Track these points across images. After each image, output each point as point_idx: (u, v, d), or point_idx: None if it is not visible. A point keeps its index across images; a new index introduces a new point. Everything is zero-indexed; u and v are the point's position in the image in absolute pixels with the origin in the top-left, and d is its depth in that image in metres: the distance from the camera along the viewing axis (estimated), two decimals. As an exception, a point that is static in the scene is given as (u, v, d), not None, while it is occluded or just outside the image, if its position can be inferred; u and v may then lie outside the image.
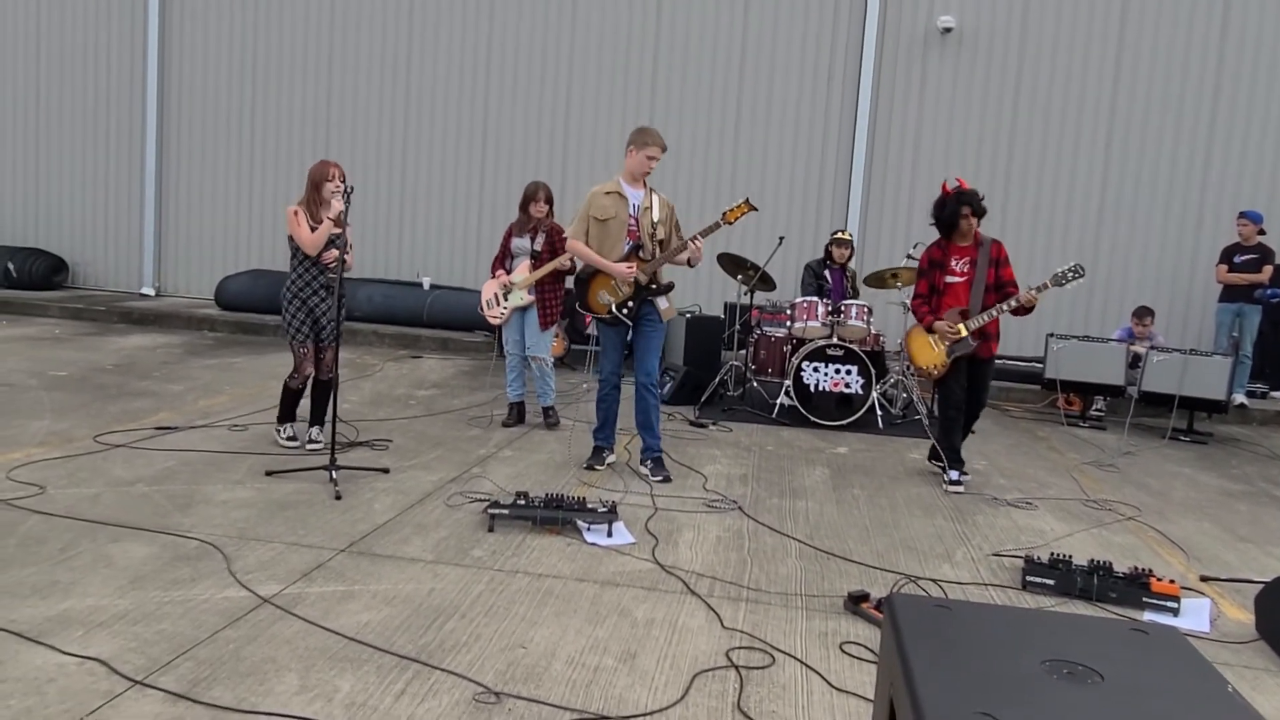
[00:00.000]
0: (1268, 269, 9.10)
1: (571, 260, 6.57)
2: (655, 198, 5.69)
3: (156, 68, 12.62)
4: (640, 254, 5.60)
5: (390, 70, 12.17)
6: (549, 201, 6.80)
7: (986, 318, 5.81)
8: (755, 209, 5.79)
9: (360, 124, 12.32)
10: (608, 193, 5.63)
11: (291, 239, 5.65)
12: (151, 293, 12.92)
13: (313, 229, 5.57)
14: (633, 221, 5.61)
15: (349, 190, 5.27)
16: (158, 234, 12.99)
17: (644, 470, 5.70)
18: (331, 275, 5.66)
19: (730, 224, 5.69)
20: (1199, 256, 10.48)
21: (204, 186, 12.83)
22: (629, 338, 5.78)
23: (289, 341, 5.75)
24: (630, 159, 5.59)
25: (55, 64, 13.04)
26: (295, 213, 5.60)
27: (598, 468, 5.79)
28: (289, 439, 5.88)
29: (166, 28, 12.63)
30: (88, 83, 12.98)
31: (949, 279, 5.96)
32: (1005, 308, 5.78)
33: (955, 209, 5.84)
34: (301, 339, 5.72)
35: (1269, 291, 9.11)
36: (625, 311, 5.62)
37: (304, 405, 5.94)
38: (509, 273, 6.83)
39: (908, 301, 8.17)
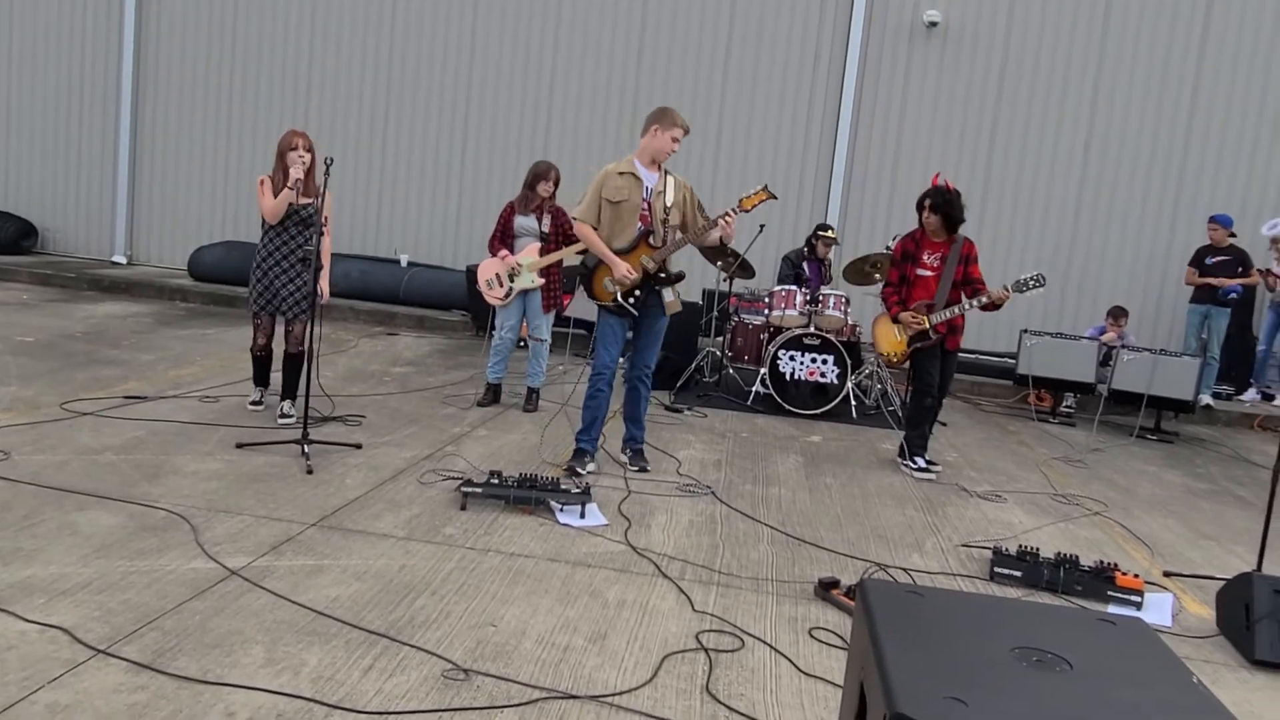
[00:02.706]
0: (1243, 271, 9.22)
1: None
2: (670, 180, 5.41)
3: (133, 30, 12.39)
4: (650, 240, 5.31)
5: (372, 42, 12.03)
6: (556, 183, 6.66)
7: (949, 313, 5.95)
8: (774, 197, 5.48)
9: (341, 96, 12.17)
10: (622, 173, 5.30)
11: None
12: (123, 261, 12.74)
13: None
14: (645, 206, 5.31)
15: (328, 161, 5.21)
16: (130, 201, 12.79)
17: (623, 459, 5.66)
18: (308, 248, 5.63)
19: (747, 211, 5.40)
20: (1171, 258, 10.59)
21: (179, 155, 12.64)
22: (629, 329, 5.50)
23: (248, 309, 5.87)
24: (652, 139, 5.26)
25: (28, 25, 12.78)
26: (261, 182, 5.62)
27: (580, 471, 5.30)
28: (252, 402, 5.99)
29: (145, -8, 12.42)
30: (61, 45, 12.73)
31: (920, 271, 6.09)
32: (974, 304, 5.92)
33: (920, 200, 6.06)
34: (256, 310, 5.76)
35: (1228, 289, 9.23)
36: (631, 301, 5.34)
37: (277, 380, 5.90)
38: (512, 252, 6.69)
39: (885, 293, 8.23)
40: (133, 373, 6.82)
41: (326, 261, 5.74)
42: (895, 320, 6.11)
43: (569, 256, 6.52)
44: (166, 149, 12.66)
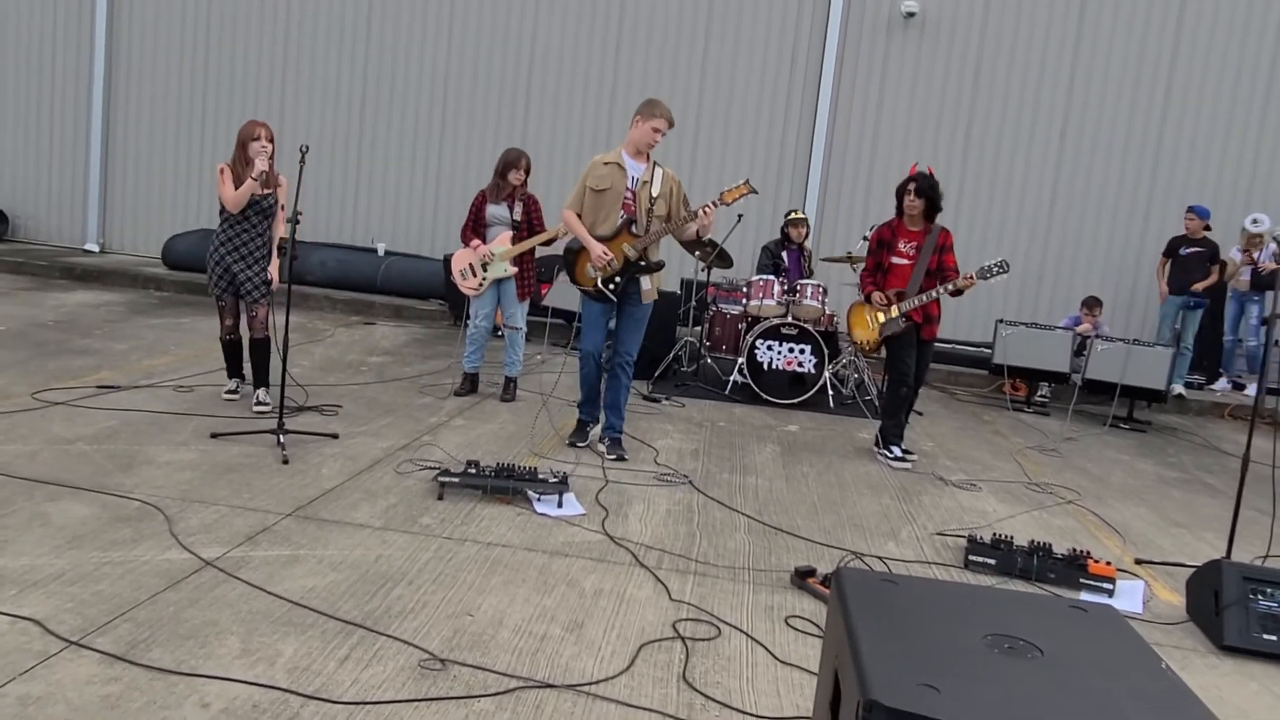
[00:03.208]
0: (1212, 264, 9.34)
1: (560, 233, 6.47)
2: (659, 172, 5.53)
3: (105, 15, 12.21)
4: (633, 229, 5.45)
5: (349, 29, 11.92)
6: (528, 171, 6.65)
7: (917, 302, 5.99)
8: (755, 191, 5.62)
9: (317, 83, 12.06)
10: (606, 163, 5.49)
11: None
12: (96, 249, 12.59)
13: (238, 187, 5.58)
14: (629, 195, 5.46)
15: (303, 150, 5.17)
16: (103, 189, 12.63)
17: (601, 448, 5.67)
18: (284, 236, 5.62)
19: (728, 204, 5.48)
20: (1146, 248, 10.69)
21: (153, 141, 12.49)
22: (613, 315, 5.65)
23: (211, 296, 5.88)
24: (635, 130, 5.44)
25: (-2, 9, 12.59)
26: (222, 170, 5.63)
27: (580, 444, 5.68)
28: (228, 391, 5.98)
29: (116, -24, 12.24)
30: (32, 30, 12.54)
31: (895, 260, 6.13)
32: (943, 290, 5.94)
33: (903, 186, 6.05)
34: (219, 294, 5.78)
35: (1199, 302, 9.40)
36: (611, 287, 5.48)
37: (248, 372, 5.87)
38: (485, 241, 6.68)
39: (861, 284, 8.27)
40: (105, 362, 6.76)
41: (274, 248, 5.85)
42: (868, 299, 6.17)
43: (551, 237, 6.53)
44: (140, 135, 12.51)
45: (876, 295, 6.10)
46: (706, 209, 5.39)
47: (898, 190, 6.12)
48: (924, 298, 5.98)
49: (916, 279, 6.02)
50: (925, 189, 5.98)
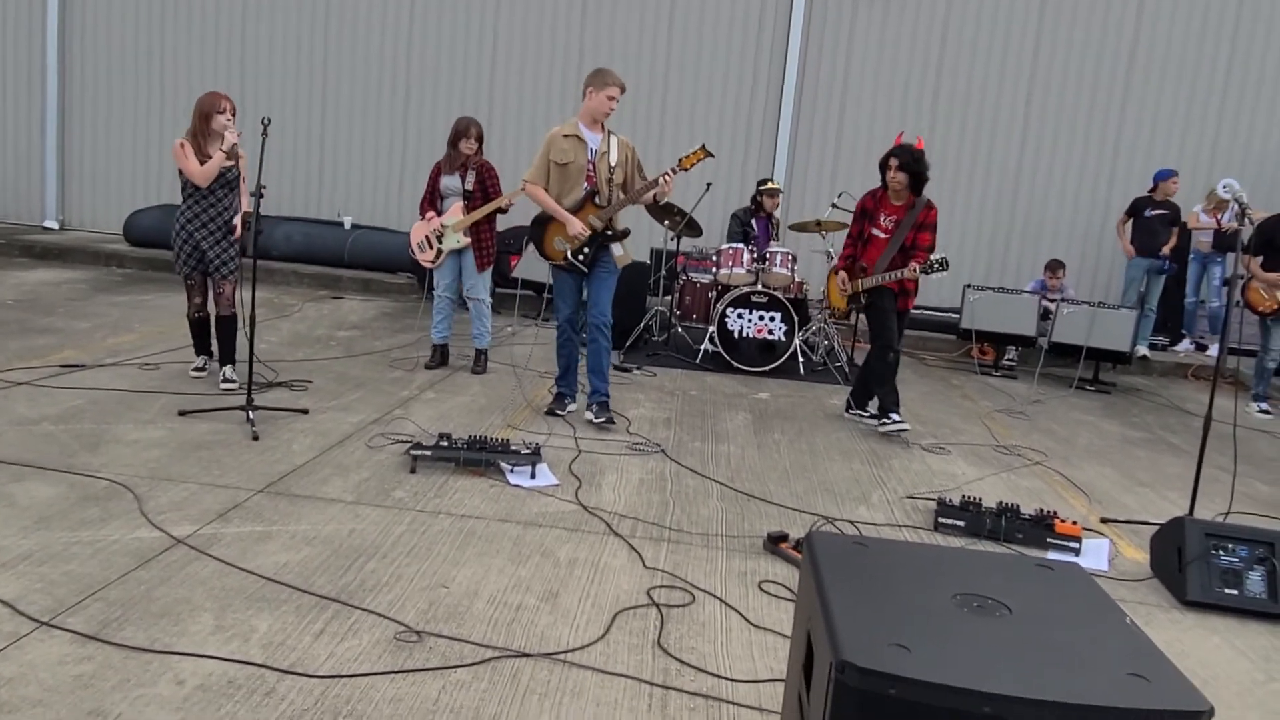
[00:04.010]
0: (1173, 226, 9.44)
1: (510, 201, 6.48)
2: (613, 140, 5.56)
3: (57, -12, 11.91)
4: (596, 200, 5.50)
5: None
6: (479, 139, 6.60)
7: (872, 282, 5.95)
8: (711, 155, 5.65)
9: (276, 54, 11.85)
10: (566, 135, 5.50)
11: (181, 173, 5.54)
12: (55, 226, 12.34)
13: (201, 162, 5.48)
14: (590, 166, 5.49)
15: (265, 122, 5.09)
16: (60, 165, 12.36)
17: (588, 415, 5.68)
18: (248, 211, 5.54)
19: (686, 170, 5.52)
20: (1110, 213, 10.78)
21: (110, 115, 12.22)
22: (583, 284, 5.66)
23: (177, 274, 5.75)
24: (589, 100, 5.45)
25: (-55, -21, 12.23)
26: (182, 145, 5.52)
27: (559, 413, 5.74)
28: (195, 369, 5.92)
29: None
30: (-19, 1, 12.22)
31: (874, 232, 6.02)
32: (889, 278, 5.88)
33: (886, 159, 5.88)
34: (187, 272, 5.68)
35: (1169, 268, 9.50)
36: (580, 259, 5.51)
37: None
38: (440, 214, 6.66)
39: (831, 250, 8.29)
40: (69, 341, 6.65)
41: (239, 222, 5.78)
42: (835, 275, 6.24)
43: (499, 207, 6.53)
44: (96, 110, 12.23)
45: (839, 275, 6.16)
46: (666, 176, 5.41)
47: (880, 162, 5.93)
48: (880, 279, 5.90)
49: (888, 255, 5.92)
50: (908, 163, 5.79)
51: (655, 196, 5.52)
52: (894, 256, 5.93)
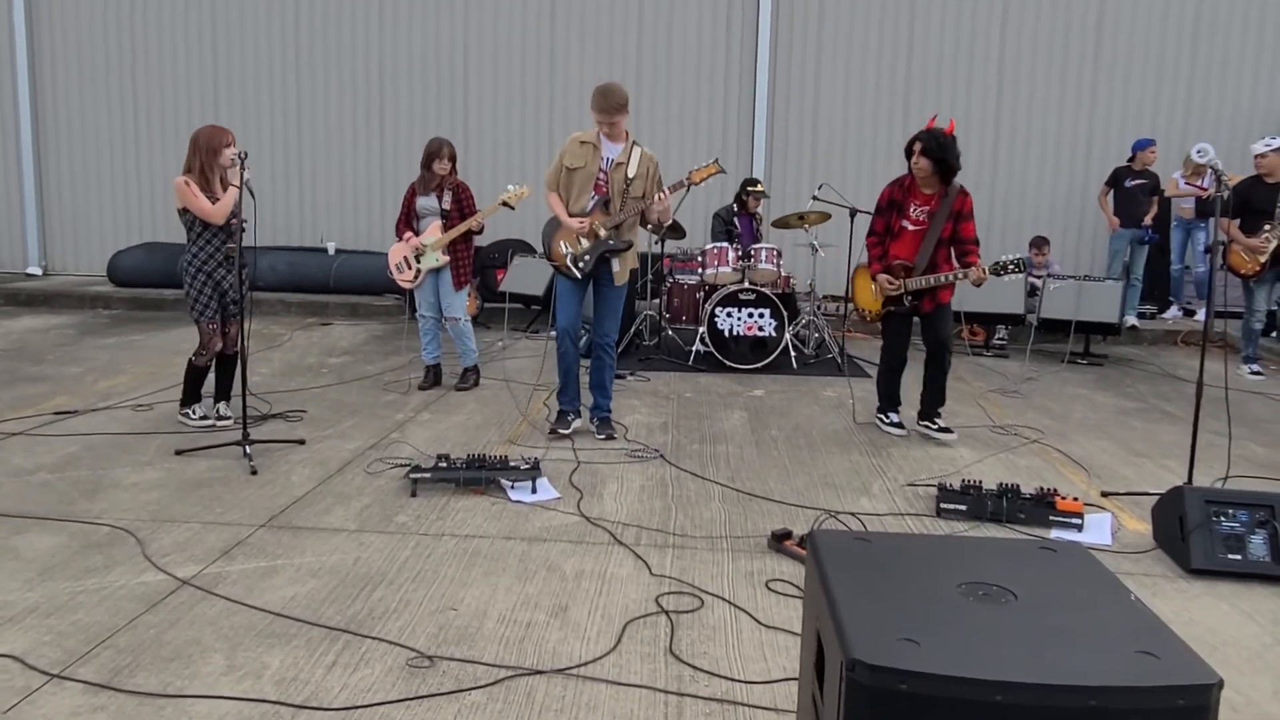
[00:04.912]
0: (1154, 195, 9.49)
1: (480, 221, 6.52)
2: (636, 152, 5.46)
3: (25, 32, 11.85)
4: (607, 208, 5.45)
5: (279, 27, 11.69)
6: (452, 159, 6.64)
7: (924, 283, 5.45)
8: (724, 171, 5.61)
9: (250, 84, 11.84)
10: (583, 141, 5.47)
11: (186, 211, 5.42)
12: (38, 272, 12.30)
13: (211, 199, 5.37)
14: (602, 175, 5.43)
15: (243, 155, 5.07)
16: (40, 209, 12.32)
17: (590, 428, 5.70)
18: (232, 246, 5.47)
19: (696, 184, 5.49)
20: (1089, 185, 10.82)
21: (86, 158, 12.19)
22: (586, 293, 5.62)
23: (196, 319, 5.51)
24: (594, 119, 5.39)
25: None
26: (187, 183, 5.34)
27: (561, 431, 5.57)
28: (201, 419, 5.64)
29: (31, -10, 11.89)
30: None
31: (905, 224, 5.56)
32: (957, 276, 5.39)
33: (910, 143, 5.46)
34: (210, 315, 5.49)
35: (1151, 237, 9.55)
36: (580, 265, 5.46)
37: (209, 383, 5.75)
38: (416, 234, 6.68)
39: (815, 243, 8.30)
40: (60, 387, 6.64)
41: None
42: (873, 279, 5.65)
43: (471, 226, 6.55)
44: (73, 151, 12.20)
45: (882, 279, 5.54)
46: (660, 195, 5.40)
47: (906, 148, 5.50)
48: (935, 280, 5.41)
49: (927, 249, 5.43)
50: (932, 148, 5.32)
51: (659, 219, 5.52)
52: (935, 251, 5.46)
